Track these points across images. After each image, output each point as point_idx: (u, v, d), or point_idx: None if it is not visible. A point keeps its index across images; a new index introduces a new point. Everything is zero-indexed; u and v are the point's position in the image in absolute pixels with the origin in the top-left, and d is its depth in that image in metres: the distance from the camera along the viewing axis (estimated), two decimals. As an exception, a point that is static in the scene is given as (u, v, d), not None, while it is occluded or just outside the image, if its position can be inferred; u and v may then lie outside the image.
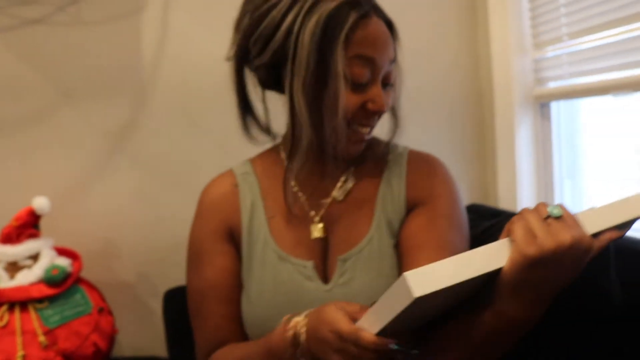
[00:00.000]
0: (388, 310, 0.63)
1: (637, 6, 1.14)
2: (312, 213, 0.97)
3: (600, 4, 1.23)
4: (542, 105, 1.54)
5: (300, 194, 0.99)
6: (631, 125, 1.29)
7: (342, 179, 0.99)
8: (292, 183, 0.99)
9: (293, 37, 0.84)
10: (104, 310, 1.36)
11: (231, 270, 0.98)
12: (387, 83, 0.91)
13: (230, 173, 1.05)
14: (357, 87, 0.87)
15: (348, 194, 0.98)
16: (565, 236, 0.64)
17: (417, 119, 1.62)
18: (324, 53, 0.83)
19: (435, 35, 1.63)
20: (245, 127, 1.01)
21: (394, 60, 0.91)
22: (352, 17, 0.83)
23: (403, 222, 0.96)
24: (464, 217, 0.97)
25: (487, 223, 1.20)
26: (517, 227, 0.66)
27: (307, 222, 0.97)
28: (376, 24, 0.87)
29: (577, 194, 1.51)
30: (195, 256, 1.01)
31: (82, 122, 1.45)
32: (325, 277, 0.94)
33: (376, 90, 0.88)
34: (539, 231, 0.65)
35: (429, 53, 1.63)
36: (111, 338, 1.36)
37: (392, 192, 0.97)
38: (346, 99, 0.86)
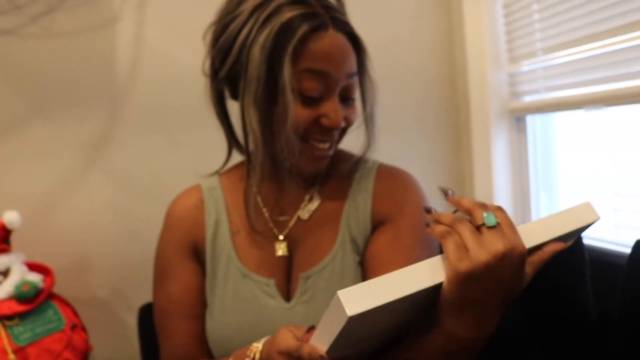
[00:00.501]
0: (329, 331, 0.61)
1: (608, 23, 1.16)
2: (276, 231, 0.96)
3: (573, 20, 1.25)
4: (517, 119, 1.56)
5: (264, 209, 0.98)
6: (605, 139, 1.31)
7: (307, 197, 0.97)
8: (258, 199, 0.98)
9: (245, 50, 0.84)
10: (77, 326, 1.33)
11: (195, 287, 0.96)
12: (348, 97, 0.89)
13: (197, 187, 1.03)
14: (309, 101, 0.85)
15: (313, 212, 0.96)
16: (497, 246, 0.60)
17: (394, 133, 1.63)
18: (273, 67, 0.82)
19: (413, 49, 1.65)
20: (231, 140, 1.01)
21: (355, 74, 0.89)
22: (302, 30, 0.81)
23: (368, 240, 0.94)
24: None
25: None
26: (448, 242, 0.63)
27: (272, 239, 0.96)
28: (332, 37, 0.84)
29: (554, 207, 1.52)
30: (160, 271, 1.00)
31: (55, 134, 1.43)
32: (287, 295, 0.93)
33: (331, 105, 0.86)
34: (471, 244, 0.61)
35: (407, 68, 1.64)
36: (85, 355, 1.33)
37: (357, 208, 0.95)
38: (296, 113, 0.84)
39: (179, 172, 1.48)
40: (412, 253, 0.89)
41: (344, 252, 0.93)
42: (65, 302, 1.36)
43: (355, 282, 0.91)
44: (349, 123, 0.91)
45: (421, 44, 1.66)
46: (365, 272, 0.92)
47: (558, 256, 0.95)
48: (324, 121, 0.86)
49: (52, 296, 1.33)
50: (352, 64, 0.87)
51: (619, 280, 0.88)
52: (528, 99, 1.50)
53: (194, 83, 1.46)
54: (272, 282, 0.92)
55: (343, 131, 0.92)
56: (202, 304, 0.96)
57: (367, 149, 0.96)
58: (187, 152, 1.50)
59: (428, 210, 0.68)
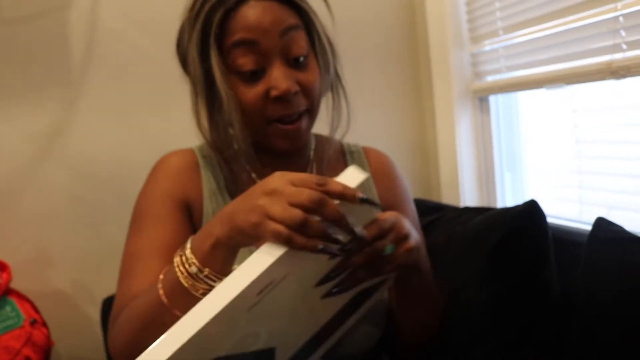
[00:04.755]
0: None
1: (568, 0, 1.15)
2: None
3: (533, -2, 1.25)
4: (480, 99, 1.56)
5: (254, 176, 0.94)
6: (567, 119, 1.32)
7: None
8: (253, 175, 0.94)
9: (186, 53, 0.84)
10: (38, 322, 1.29)
11: (184, 239, 0.80)
12: (295, 56, 0.83)
13: (190, 152, 0.96)
14: (251, 77, 0.82)
15: None
16: None
17: (358, 116, 1.61)
18: (207, 59, 0.81)
19: (374, 29, 1.63)
20: None
21: (293, 27, 0.82)
22: (219, 14, 0.80)
23: None
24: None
25: (428, 218, 1.20)
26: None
27: None
28: (252, 6, 0.80)
29: (517, 186, 1.53)
30: (143, 217, 0.88)
31: (7, 124, 1.38)
32: None
33: (274, 72, 0.81)
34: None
35: (369, 48, 1.63)
36: (46, 350, 1.30)
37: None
38: (243, 96, 0.82)
39: (141, 159, 1.44)
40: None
41: None
42: (24, 298, 1.33)
43: None
44: (307, 85, 0.84)
45: (383, 25, 1.64)
46: None
47: (521, 236, 0.96)
48: (273, 92, 0.81)
49: (9, 292, 1.29)
50: (284, 19, 0.81)
51: (581, 258, 0.88)
52: (490, 79, 1.50)
53: (152, 67, 1.43)
54: None
55: (308, 97, 0.85)
56: None
57: (336, 123, 0.93)
58: (149, 137, 1.46)
59: None
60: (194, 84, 0.85)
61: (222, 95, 0.81)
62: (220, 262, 0.64)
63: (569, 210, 1.31)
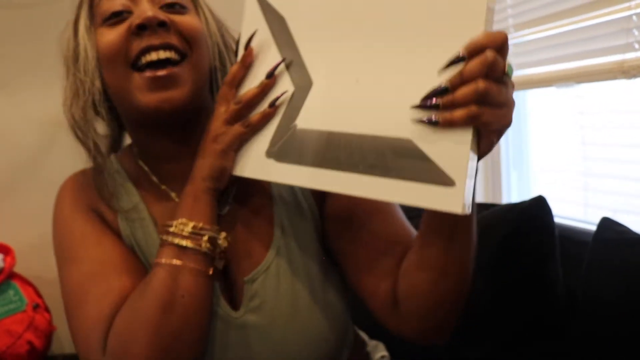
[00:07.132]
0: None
1: (580, -1, 1.14)
2: None
3: (545, -5, 1.24)
4: (489, 96, 1.54)
5: (173, 194, 0.79)
6: (576, 120, 1.31)
7: None
8: (155, 180, 0.80)
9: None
10: (40, 306, 1.30)
11: (122, 247, 0.76)
12: (172, 4, 0.73)
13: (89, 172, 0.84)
14: (116, 19, 0.72)
15: (233, 204, 0.78)
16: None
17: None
18: (77, 36, 0.75)
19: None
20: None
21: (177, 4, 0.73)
22: None
23: (322, 207, 0.79)
24: None
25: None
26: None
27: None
28: None
29: (524, 184, 1.53)
30: (67, 254, 0.79)
31: (16, 112, 1.38)
32: (233, 304, 0.75)
33: (141, 5, 0.71)
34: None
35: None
36: (48, 335, 1.31)
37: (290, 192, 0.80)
38: (106, 39, 0.72)
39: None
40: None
41: (286, 240, 0.77)
42: (27, 282, 1.33)
43: (310, 270, 0.76)
44: (183, 26, 0.73)
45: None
46: (342, 231, 0.77)
47: (528, 232, 0.95)
48: (135, 21, 0.70)
49: (13, 276, 1.30)
50: None
51: (586, 257, 0.87)
52: (500, 76, 1.48)
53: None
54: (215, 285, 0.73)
55: (184, 38, 0.72)
56: (135, 260, 0.76)
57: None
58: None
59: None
60: (65, 54, 0.79)
61: (81, 54, 0.74)
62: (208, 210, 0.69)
63: (575, 212, 1.30)
